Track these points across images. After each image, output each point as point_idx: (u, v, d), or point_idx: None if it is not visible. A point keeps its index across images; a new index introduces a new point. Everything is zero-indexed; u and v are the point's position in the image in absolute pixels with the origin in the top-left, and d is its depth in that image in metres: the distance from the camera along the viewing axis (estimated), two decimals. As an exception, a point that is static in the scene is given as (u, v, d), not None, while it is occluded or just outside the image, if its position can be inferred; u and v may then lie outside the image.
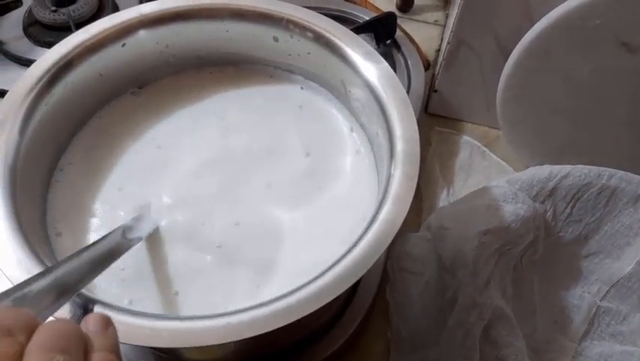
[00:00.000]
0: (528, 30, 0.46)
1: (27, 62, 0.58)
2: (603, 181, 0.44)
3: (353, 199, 0.38)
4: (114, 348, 0.23)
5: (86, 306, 0.28)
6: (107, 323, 0.23)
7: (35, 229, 0.34)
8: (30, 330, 0.21)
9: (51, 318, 0.24)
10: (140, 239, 0.35)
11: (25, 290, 0.23)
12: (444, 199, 0.55)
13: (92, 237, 0.37)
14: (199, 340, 0.27)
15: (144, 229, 0.36)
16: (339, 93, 0.43)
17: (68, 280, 0.26)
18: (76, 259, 0.28)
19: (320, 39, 0.40)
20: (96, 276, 0.28)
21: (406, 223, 0.31)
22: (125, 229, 0.34)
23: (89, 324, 0.23)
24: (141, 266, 0.36)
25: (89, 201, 0.38)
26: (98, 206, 0.38)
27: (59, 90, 0.37)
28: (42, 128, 0.36)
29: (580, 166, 0.44)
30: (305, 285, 0.29)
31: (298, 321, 0.28)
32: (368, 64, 0.38)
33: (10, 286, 0.23)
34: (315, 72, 0.43)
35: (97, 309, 0.28)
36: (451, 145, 0.59)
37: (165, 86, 0.44)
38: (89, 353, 0.21)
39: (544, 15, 0.45)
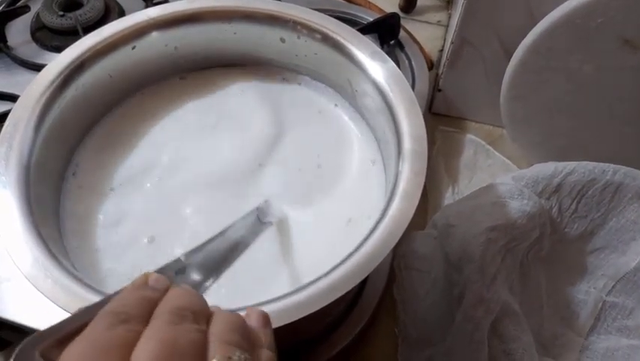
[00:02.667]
0: (531, 29, 0.47)
1: (35, 66, 0.59)
2: (608, 177, 0.44)
3: (361, 195, 0.39)
4: (273, 347, 0.23)
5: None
6: (267, 320, 0.24)
7: (49, 226, 0.35)
8: (208, 317, 0.22)
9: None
10: (271, 223, 0.36)
11: (173, 268, 0.25)
12: (449, 198, 0.55)
13: (107, 231, 0.38)
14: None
15: (275, 213, 0.37)
16: (345, 92, 0.43)
17: (209, 263, 0.28)
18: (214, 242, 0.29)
19: (327, 40, 0.41)
20: (233, 261, 0.30)
21: (412, 222, 0.32)
22: (259, 211, 0.36)
23: (252, 320, 0.24)
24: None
25: (101, 200, 0.39)
26: (111, 206, 0.39)
27: (72, 92, 0.38)
28: (55, 128, 0.37)
29: (584, 162, 0.45)
30: (316, 280, 0.29)
31: (307, 317, 0.28)
32: (375, 63, 0.38)
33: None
34: (322, 72, 0.44)
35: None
36: (456, 144, 0.59)
37: (174, 86, 0.45)
38: (255, 349, 0.22)
39: (546, 14, 0.46)
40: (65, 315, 0.28)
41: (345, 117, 0.43)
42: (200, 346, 0.20)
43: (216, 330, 0.21)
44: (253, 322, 0.23)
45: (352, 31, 0.40)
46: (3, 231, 0.31)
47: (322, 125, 0.43)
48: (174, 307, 0.21)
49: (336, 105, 0.44)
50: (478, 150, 0.59)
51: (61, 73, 0.37)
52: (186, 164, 0.41)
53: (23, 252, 0.30)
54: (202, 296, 0.23)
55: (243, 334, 0.22)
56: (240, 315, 0.23)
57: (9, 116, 0.35)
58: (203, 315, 0.21)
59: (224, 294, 0.35)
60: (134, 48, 0.41)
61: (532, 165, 0.55)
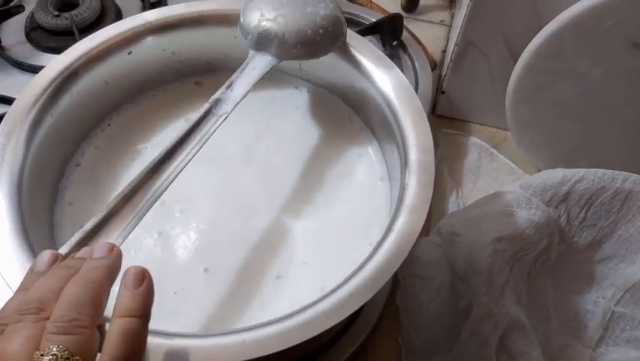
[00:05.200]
0: (538, 31, 0.46)
1: (29, 68, 0.57)
2: (617, 185, 0.43)
3: (366, 207, 0.38)
4: (142, 310, 0.23)
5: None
6: (140, 278, 0.24)
7: (42, 240, 0.34)
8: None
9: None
10: (235, 103, 0.35)
11: None
12: (453, 202, 0.54)
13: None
14: (216, 358, 0.26)
15: (241, 89, 0.36)
16: (349, 99, 0.42)
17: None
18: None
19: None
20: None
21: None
22: (213, 104, 0.34)
23: (126, 282, 0.24)
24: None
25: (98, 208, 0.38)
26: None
27: (65, 100, 0.37)
28: (48, 138, 0.36)
29: (593, 170, 0.44)
30: (320, 299, 0.28)
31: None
32: (379, 71, 0.37)
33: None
34: (325, 78, 0.43)
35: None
36: (459, 147, 0.58)
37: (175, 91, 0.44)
38: (93, 326, 0.22)
39: (554, 16, 0.44)
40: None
41: (348, 123, 0.42)
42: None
43: (52, 317, 0.21)
44: (127, 284, 0.23)
45: (356, 36, 0.39)
46: (-6, 246, 0.30)
47: (324, 131, 0.42)
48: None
49: (339, 112, 0.43)
50: (482, 153, 0.58)
51: (54, 80, 0.36)
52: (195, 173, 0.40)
53: (14, 268, 0.29)
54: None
55: (81, 311, 0.21)
56: (90, 283, 0.23)
57: (0, 125, 0.34)
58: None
59: (223, 312, 0.34)
60: (130, 53, 0.40)
61: (537, 168, 0.54)
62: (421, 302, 0.44)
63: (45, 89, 0.35)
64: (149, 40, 0.40)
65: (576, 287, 0.45)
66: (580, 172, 0.44)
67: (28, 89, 0.35)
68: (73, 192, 0.38)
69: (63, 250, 0.28)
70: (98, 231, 0.29)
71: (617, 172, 0.44)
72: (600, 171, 0.44)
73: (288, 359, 0.39)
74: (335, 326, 0.28)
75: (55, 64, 0.37)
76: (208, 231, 0.37)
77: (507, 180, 0.55)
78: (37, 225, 0.33)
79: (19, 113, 0.34)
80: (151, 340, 0.27)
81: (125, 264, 0.25)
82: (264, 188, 0.39)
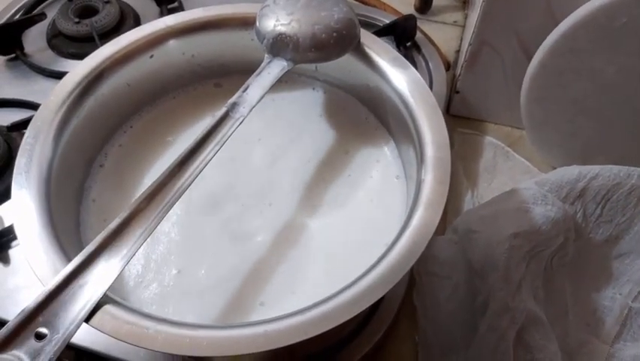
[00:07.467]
0: (552, 29, 0.46)
1: (51, 74, 0.59)
2: (633, 181, 0.43)
3: (382, 204, 0.38)
4: None
5: None
6: None
7: (71, 236, 0.35)
8: None
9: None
10: (251, 107, 0.36)
11: None
12: (468, 201, 0.55)
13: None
14: (238, 348, 0.27)
15: (256, 92, 0.36)
16: (365, 99, 0.43)
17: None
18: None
19: (345, 45, 0.40)
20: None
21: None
22: (230, 108, 0.35)
23: None
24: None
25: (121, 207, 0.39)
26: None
27: (90, 102, 0.38)
28: (74, 139, 0.37)
29: (609, 166, 0.44)
30: (339, 292, 0.29)
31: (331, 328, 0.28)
32: (395, 70, 0.38)
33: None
34: (341, 78, 0.43)
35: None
36: (474, 146, 0.59)
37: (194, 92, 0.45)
38: None
39: (568, 14, 0.45)
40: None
41: (364, 123, 0.43)
42: None
43: None
44: None
45: (371, 36, 0.40)
46: (25, 243, 0.31)
47: (340, 130, 0.43)
48: None
49: (355, 111, 0.44)
50: (497, 152, 0.58)
51: (79, 83, 0.37)
52: (212, 174, 0.40)
53: (44, 263, 0.30)
54: None
55: None
56: None
57: (28, 127, 0.35)
58: None
59: (242, 306, 0.35)
60: (151, 57, 0.41)
61: (552, 167, 0.54)
62: (438, 300, 0.44)
63: (71, 92, 0.37)
64: (170, 44, 0.41)
65: (593, 283, 0.45)
66: (595, 169, 0.44)
67: (55, 91, 0.36)
68: (98, 190, 0.39)
69: (88, 249, 0.29)
70: (122, 230, 0.30)
71: (632, 168, 0.44)
72: (616, 168, 0.44)
73: (306, 352, 0.40)
74: (350, 321, 0.28)
75: (81, 67, 0.38)
76: (221, 227, 0.38)
77: (522, 179, 0.55)
78: (65, 222, 0.34)
79: (47, 115, 0.35)
80: (174, 330, 0.28)
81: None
82: (278, 186, 0.40)
